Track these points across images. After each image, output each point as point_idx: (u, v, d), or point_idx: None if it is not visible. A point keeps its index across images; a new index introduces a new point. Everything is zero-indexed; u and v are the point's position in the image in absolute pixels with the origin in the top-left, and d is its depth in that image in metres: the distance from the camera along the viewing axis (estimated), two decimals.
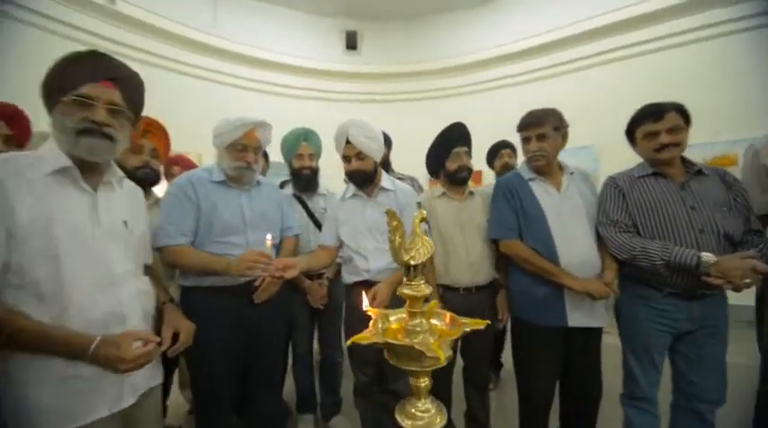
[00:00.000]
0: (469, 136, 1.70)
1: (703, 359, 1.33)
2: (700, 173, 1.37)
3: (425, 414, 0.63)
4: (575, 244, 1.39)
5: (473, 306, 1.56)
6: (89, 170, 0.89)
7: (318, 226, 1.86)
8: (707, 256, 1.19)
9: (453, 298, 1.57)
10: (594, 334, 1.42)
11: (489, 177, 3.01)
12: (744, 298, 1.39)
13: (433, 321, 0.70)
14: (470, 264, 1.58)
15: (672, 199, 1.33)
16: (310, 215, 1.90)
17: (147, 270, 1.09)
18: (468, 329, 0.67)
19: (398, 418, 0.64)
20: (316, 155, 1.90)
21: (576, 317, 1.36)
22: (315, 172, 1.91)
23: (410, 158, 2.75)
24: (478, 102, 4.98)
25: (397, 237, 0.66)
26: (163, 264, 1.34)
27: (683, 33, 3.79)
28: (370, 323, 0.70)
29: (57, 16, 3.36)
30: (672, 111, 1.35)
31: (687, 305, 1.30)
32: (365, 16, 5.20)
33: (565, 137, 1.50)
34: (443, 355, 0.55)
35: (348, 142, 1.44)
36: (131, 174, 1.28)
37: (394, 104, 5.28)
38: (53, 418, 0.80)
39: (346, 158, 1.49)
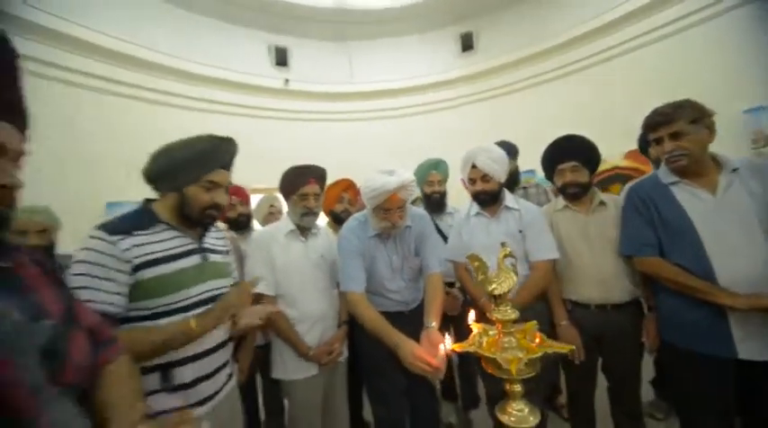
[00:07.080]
0: (582, 147, 1.56)
1: None
2: None
3: (518, 413, 0.76)
4: (738, 257, 1.14)
5: (606, 325, 1.47)
6: (304, 229, 1.60)
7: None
8: None
9: (585, 314, 1.52)
10: None
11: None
12: None
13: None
14: (601, 281, 1.48)
15: None
16: (440, 233, 2.09)
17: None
18: (550, 351, 0.78)
19: (498, 413, 0.81)
20: (443, 180, 2.17)
21: (749, 347, 1.11)
22: (443, 195, 2.18)
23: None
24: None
25: (479, 274, 0.85)
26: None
27: None
28: (471, 335, 0.91)
29: None
30: None
31: None
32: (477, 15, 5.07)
33: (711, 128, 1.24)
34: (514, 369, 0.71)
35: (474, 166, 1.57)
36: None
37: (513, 94, 4.93)
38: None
39: (471, 180, 1.62)
